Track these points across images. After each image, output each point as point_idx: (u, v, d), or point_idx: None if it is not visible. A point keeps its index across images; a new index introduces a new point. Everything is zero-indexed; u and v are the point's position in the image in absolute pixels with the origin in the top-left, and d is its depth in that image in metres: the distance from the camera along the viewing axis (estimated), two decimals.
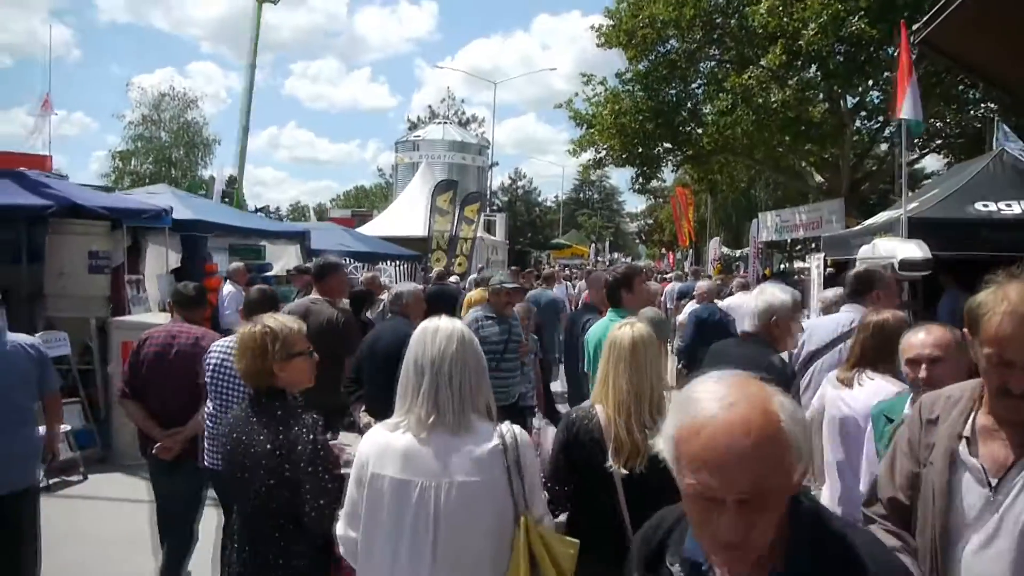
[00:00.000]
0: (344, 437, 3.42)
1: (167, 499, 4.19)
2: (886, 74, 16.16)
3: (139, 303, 7.89)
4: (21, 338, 3.81)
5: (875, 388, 3.05)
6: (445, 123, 43.63)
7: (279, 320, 2.66)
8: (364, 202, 58.26)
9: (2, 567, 3.57)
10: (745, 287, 11.15)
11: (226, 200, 32.28)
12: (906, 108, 7.01)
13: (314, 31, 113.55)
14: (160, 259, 8.77)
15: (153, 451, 4.03)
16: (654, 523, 1.53)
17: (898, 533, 1.95)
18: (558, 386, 8.80)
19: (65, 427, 5.94)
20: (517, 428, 2.20)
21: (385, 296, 8.09)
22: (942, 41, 7.63)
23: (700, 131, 17.58)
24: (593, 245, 50.12)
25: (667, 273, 28.57)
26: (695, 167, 21.17)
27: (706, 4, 16.85)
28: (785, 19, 14.31)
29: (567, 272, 28.53)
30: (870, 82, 16.48)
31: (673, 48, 18.06)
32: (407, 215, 22.04)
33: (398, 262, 17.21)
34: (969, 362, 2.01)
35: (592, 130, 18.53)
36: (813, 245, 33.92)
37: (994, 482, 1.75)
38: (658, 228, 54.28)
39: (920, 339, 2.64)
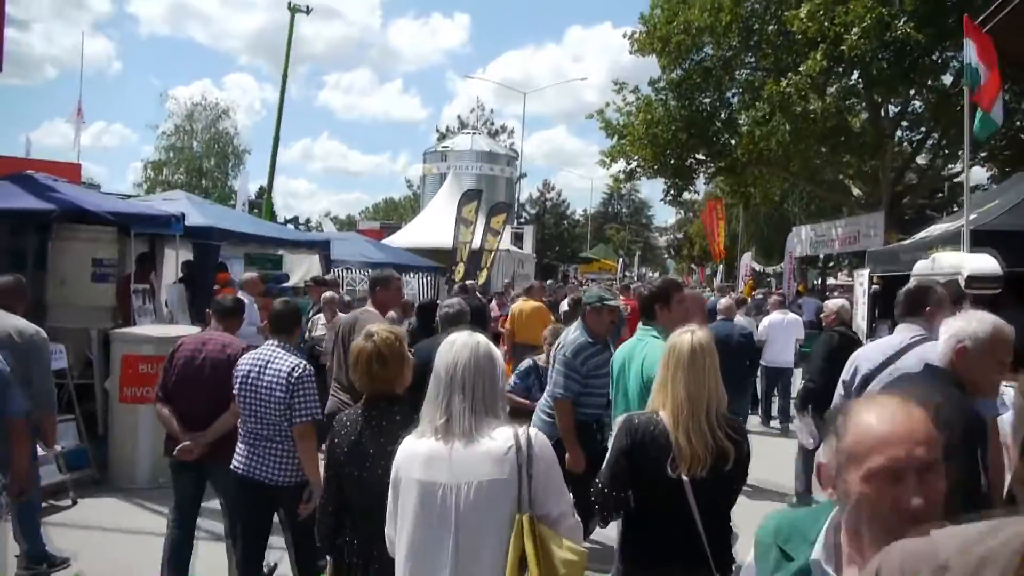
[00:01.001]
0: None
1: (184, 498, 4.29)
2: (929, 82, 15.55)
3: (145, 314, 7.52)
4: None
5: None
6: (474, 133, 43.31)
7: (393, 331, 2.83)
8: (393, 214, 58.31)
9: None
10: (782, 304, 10.63)
11: (255, 211, 32.38)
12: (996, 107, 6.22)
13: (348, 43, 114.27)
14: (174, 268, 8.45)
15: (175, 452, 4.12)
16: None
17: None
18: None
19: (57, 447, 5.57)
20: (534, 432, 2.25)
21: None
22: (1003, 39, 7.07)
23: (734, 141, 17.05)
24: (621, 259, 49.43)
25: (695, 288, 27.92)
26: (729, 178, 20.60)
27: (743, 10, 16.39)
28: (826, 23, 13.76)
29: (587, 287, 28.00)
30: (912, 91, 15.85)
31: (708, 55, 17.62)
32: (434, 226, 21.69)
33: (422, 273, 16.83)
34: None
35: (624, 140, 18.10)
36: (846, 261, 33.21)
37: None
38: (688, 242, 53.48)
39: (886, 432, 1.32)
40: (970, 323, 2.75)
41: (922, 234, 8.70)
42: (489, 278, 18.20)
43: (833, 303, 7.12)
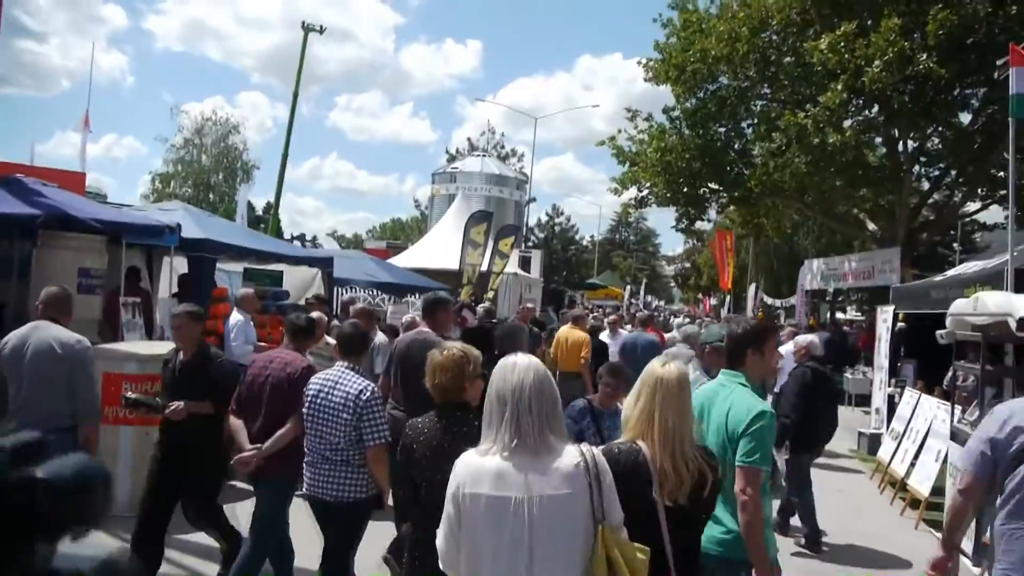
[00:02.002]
0: None
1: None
2: (948, 119, 15.21)
3: (134, 328, 7.13)
4: None
5: None
6: (484, 155, 43.12)
7: (468, 346, 3.09)
8: (399, 234, 58.08)
9: None
10: (795, 336, 10.23)
11: (262, 226, 32.10)
12: None
13: (360, 65, 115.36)
14: (169, 281, 8.10)
15: (232, 462, 4.27)
16: None
17: None
18: None
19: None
20: (595, 448, 2.43)
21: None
22: None
23: (748, 172, 16.71)
24: (628, 287, 49.00)
25: (702, 319, 27.45)
26: (741, 209, 20.26)
27: (760, 41, 16.13)
28: (847, 56, 13.45)
29: (596, 313, 27.47)
30: (930, 128, 15.51)
31: (723, 85, 17.34)
32: (441, 247, 21.34)
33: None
34: None
35: (635, 167, 17.79)
36: (855, 296, 32.57)
37: None
38: (695, 272, 53.06)
39: None
40: None
41: (954, 271, 8.29)
42: (496, 301, 17.81)
43: (802, 339, 7.47)
